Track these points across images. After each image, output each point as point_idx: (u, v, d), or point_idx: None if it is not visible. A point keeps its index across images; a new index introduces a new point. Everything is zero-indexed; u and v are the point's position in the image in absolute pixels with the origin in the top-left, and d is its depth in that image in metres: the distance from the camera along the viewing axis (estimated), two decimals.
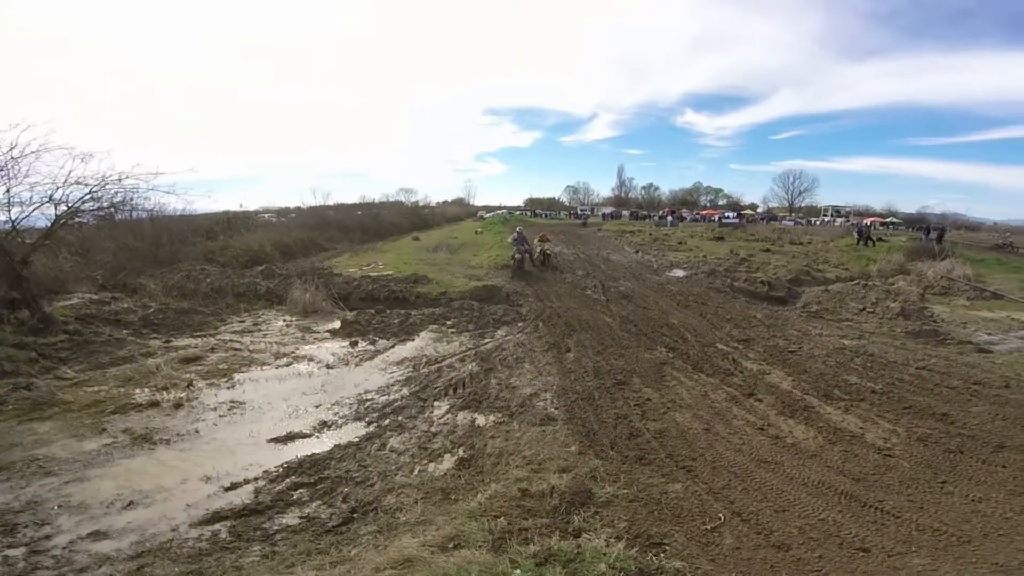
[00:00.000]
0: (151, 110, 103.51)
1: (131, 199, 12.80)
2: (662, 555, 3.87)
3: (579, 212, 66.42)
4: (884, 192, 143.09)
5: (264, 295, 14.19)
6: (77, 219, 11.54)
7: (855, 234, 29.62)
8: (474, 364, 9.11)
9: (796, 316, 13.63)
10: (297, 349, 10.13)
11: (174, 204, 18.28)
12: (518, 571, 3.10)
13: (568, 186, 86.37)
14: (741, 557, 4.06)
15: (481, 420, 6.90)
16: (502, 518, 4.15)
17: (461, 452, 6.00)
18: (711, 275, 18.20)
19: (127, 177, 11.37)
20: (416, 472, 5.63)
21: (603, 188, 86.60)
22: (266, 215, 37.93)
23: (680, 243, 29.33)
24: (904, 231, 42.19)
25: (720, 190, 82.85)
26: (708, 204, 77.37)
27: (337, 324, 11.93)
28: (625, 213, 65.81)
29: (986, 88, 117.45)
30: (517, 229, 21.09)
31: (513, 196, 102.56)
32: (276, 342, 10.53)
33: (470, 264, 19.87)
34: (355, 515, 4.85)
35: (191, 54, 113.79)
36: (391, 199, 60.88)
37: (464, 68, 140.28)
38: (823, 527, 4.51)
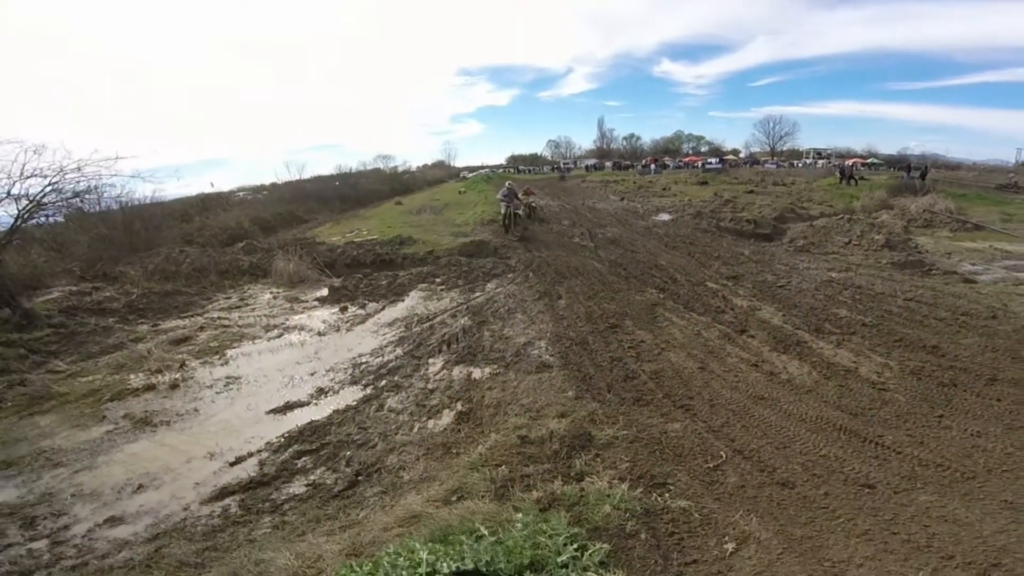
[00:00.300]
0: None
1: (96, 188, 12.44)
2: (666, 495, 3.88)
3: (559, 165, 65.15)
4: (864, 135, 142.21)
5: (248, 270, 13.98)
6: (42, 213, 11.20)
7: (838, 174, 29.93)
8: (466, 318, 9.11)
9: (783, 251, 13.73)
10: (287, 320, 10.08)
11: (143, 190, 18.04)
12: (520, 515, 3.17)
13: (550, 141, 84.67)
14: (747, 495, 4.04)
15: (477, 373, 6.95)
16: (503, 467, 4.21)
17: (459, 406, 6.06)
18: (697, 217, 18.22)
19: (86, 164, 10.98)
20: (416, 430, 5.69)
21: (585, 141, 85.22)
22: (241, 193, 36.95)
23: (664, 189, 29.28)
24: (886, 171, 42.26)
25: (702, 137, 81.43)
26: (690, 151, 76.18)
27: (325, 292, 11.84)
28: (608, 164, 65.10)
29: (962, 34, 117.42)
30: (507, 184, 18.82)
31: (495, 155, 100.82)
32: (265, 315, 10.45)
33: (455, 222, 19.61)
34: (360, 478, 4.93)
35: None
36: (369, 167, 59.35)
37: (435, 28, 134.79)
38: (826, 463, 4.48)
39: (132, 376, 7.69)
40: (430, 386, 6.75)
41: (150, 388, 7.27)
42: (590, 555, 2.93)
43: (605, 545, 3.09)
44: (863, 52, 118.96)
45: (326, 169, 57.49)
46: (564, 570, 2.69)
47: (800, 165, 56.08)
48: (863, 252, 12.89)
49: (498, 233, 16.30)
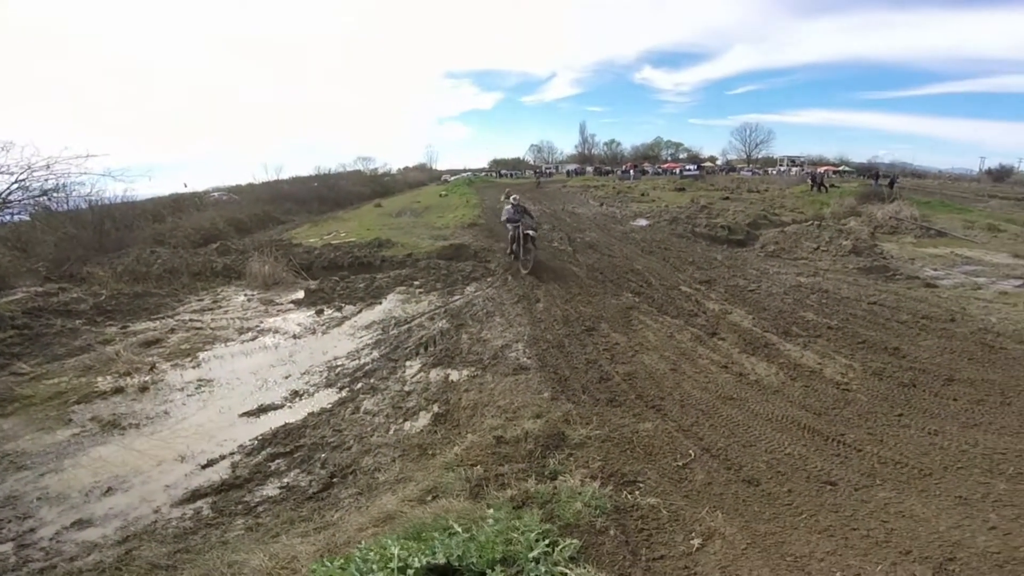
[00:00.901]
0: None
1: (65, 186, 12.14)
2: (636, 492, 3.98)
3: (536, 170, 65.06)
4: (836, 143, 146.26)
5: (221, 272, 13.73)
6: (7, 211, 10.89)
7: (809, 181, 30.86)
8: (444, 321, 9.13)
9: (755, 256, 14.09)
10: (261, 322, 9.95)
11: (113, 189, 17.60)
12: (492, 512, 3.22)
13: (532, 145, 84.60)
14: (713, 492, 4.17)
15: (454, 375, 6.98)
16: (478, 466, 4.26)
17: (436, 408, 6.09)
18: (673, 223, 18.57)
19: (55, 162, 10.73)
20: (392, 432, 5.69)
21: (567, 146, 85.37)
22: (216, 194, 36.23)
23: (643, 195, 29.70)
24: (856, 179, 43.71)
25: (680, 144, 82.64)
26: (669, 158, 77.24)
27: (300, 294, 11.71)
28: (589, 169, 65.70)
29: (931, 45, 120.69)
30: (512, 199, 13.69)
31: (478, 158, 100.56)
32: (238, 317, 10.30)
33: (435, 226, 19.57)
34: (334, 480, 4.92)
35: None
36: (348, 169, 58.66)
37: (423, 32, 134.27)
38: (789, 461, 4.62)
39: (100, 379, 7.52)
40: (407, 388, 6.75)
41: (119, 391, 7.11)
42: (561, 551, 3.00)
43: (576, 541, 3.17)
44: (836, 61, 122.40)
45: (305, 170, 56.56)
46: (535, 565, 2.75)
47: (774, 172, 57.48)
48: (831, 258, 13.31)
49: (478, 237, 16.29)
